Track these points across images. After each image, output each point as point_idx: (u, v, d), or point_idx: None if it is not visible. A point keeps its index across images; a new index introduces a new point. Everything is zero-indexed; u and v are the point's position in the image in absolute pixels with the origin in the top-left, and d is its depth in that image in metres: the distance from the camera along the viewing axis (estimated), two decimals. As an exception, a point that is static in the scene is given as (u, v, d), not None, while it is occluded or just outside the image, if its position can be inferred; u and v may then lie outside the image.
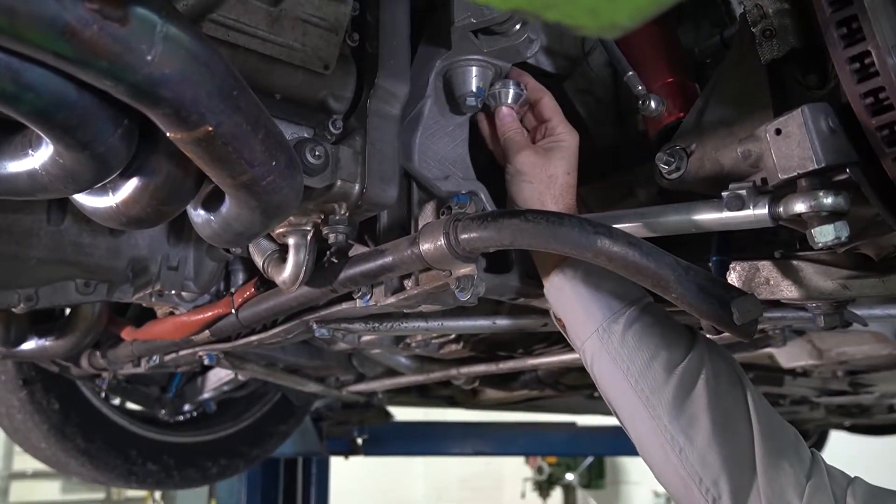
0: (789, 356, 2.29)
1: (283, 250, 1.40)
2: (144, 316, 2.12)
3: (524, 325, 1.60)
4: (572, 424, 5.16)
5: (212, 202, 1.10)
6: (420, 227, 1.36)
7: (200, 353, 2.02)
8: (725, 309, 1.04)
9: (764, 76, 1.05)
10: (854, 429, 5.50)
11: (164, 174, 0.98)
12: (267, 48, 1.11)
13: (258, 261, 1.42)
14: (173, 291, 1.61)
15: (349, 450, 4.14)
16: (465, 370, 2.36)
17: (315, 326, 1.60)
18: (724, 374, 1.14)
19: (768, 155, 0.93)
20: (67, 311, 2.16)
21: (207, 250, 1.62)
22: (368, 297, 1.39)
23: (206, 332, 1.71)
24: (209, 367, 2.67)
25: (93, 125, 0.83)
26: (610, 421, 5.27)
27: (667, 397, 1.12)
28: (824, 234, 0.90)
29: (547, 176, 1.27)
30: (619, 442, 5.37)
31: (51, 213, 1.44)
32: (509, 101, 1.35)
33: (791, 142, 0.90)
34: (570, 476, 12.02)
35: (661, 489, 11.53)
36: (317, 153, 1.13)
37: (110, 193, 1.03)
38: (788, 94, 1.05)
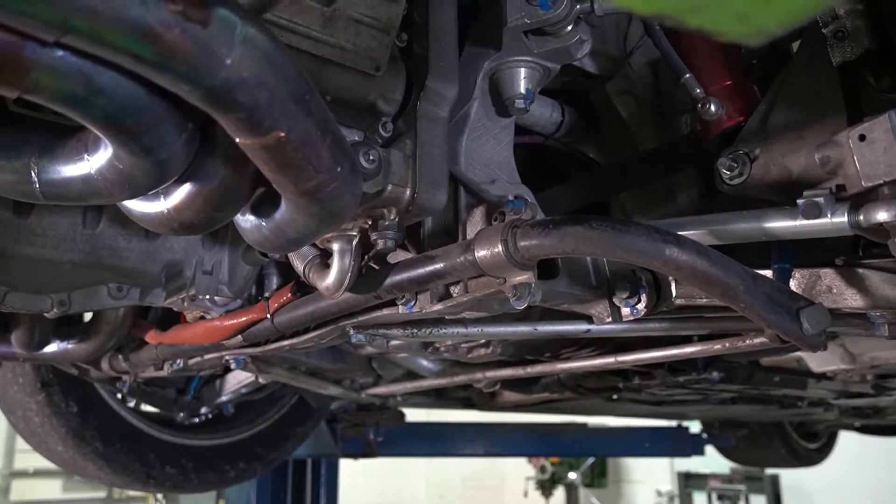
0: (821, 360, 2.26)
1: (324, 255, 1.37)
2: (167, 319, 2.10)
3: (566, 332, 1.57)
4: (583, 425, 5.13)
5: (263, 207, 1.07)
6: (468, 232, 1.33)
7: (227, 358, 1.99)
8: (794, 320, 1.02)
9: (835, 79, 1.02)
10: (864, 429, 5.48)
11: (219, 179, 0.95)
12: (319, 49, 1.08)
13: (298, 266, 1.39)
14: (207, 296, 1.58)
15: (364, 451, 4.10)
16: (490, 373, 2.33)
17: (352, 332, 1.57)
18: None
19: (850, 161, 0.90)
20: (89, 314, 2.13)
21: (243, 254, 1.59)
22: (412, 303, 1.36)
23: (238, 336, 1.68)
24: (228, 370, 2.65)
25: (159, 130, 0.80)
26: (619, 422, 5.25)
27: None
28: (909, 244, 0.87)
29: None
30: (628, 442, 5.35)
31: (87, 216, 1.41)
32: None
33: (876, 148, 0.87)
34: (572, 475, 12.01)
35: (663, 487, 11.56)
36: (371, 157, 1.11)
37: (162, 199, 1.00)
38: (860, 98, 1.02)
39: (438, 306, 1.31)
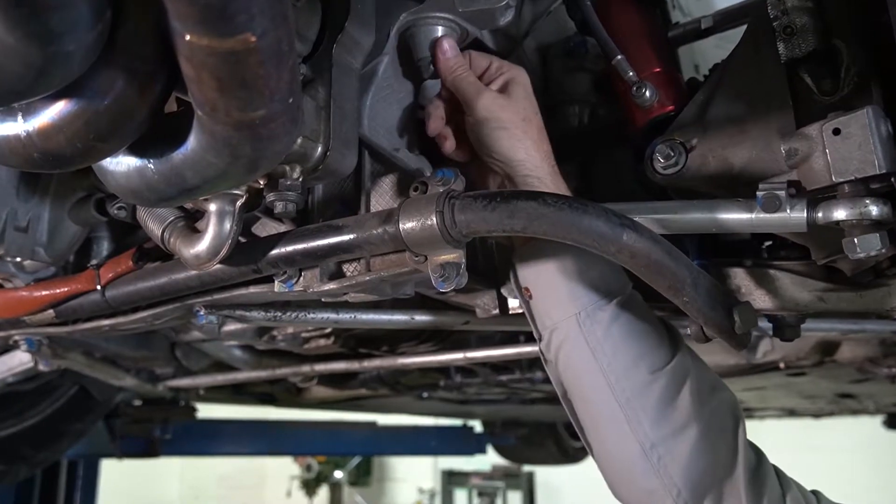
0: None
1: (190, 218, 1.15)
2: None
3: (444, 322, 1.46)
4: (373, 423, 5.04)
5: (153, 144, 0.84)
6: (373, 203, 1.18)
7: (17, 338, 1.64)
8: (729, 317, 0.99)
9: (782, 75, 1.01)
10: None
11: (112, 98, 0.73)
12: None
13: (154, 229, 1.14)
14: (18, 259, 1.26)
15: (146, 451, 3.67)
16: (320, 367, 2.16)
17: (201, 312, 1.34)
18: (707, 380, 1.08)
19: (819, 155, 0.88)
20: None
21: (70, 210, 1.29)
22: (294, 281, 1.17)
23: (49, 312, 1.37)
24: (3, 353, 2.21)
25: (74, 11, 0.58)
26: (407, 420, 5.24)
27: (650, 402, 1.03)
28: (867, 245, 0.86)
29: (521, 119, 1.12)
30: (416, 441, 5.36)
31: None
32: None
33: (851, 143, 0.85)
34: (338, 474, 11.89)
35: (426, 485, 11.82)
36: (291, 100, 0.92)
37: (19, 117, 0.76)
38: (798, 98, 1.01)
39: (330, 286, 1.14)
